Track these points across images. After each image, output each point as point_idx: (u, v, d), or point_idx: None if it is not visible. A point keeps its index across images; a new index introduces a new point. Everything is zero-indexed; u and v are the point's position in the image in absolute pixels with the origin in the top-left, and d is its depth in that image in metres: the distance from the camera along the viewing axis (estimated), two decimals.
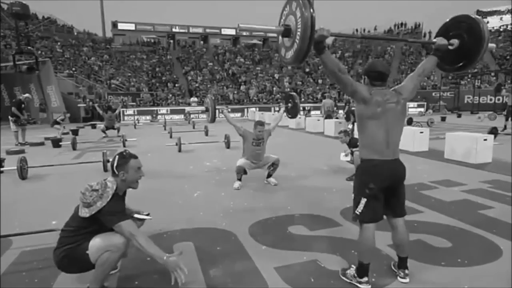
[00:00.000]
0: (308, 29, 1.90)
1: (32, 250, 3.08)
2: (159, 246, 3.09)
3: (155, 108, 22.85)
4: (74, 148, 9.35)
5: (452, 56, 2.61)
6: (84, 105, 20.77)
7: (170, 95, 26.25)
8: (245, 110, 23.86)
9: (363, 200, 2.28)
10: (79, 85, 23.14)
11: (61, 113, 12.86)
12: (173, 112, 22.55)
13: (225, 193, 4.86)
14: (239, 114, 22.69)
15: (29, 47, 16.26)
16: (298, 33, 1.99)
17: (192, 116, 21.27)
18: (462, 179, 5.40)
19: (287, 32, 2.12)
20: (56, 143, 9.90)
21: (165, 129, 14.90)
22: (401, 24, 46.61)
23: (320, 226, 3.51)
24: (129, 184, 2.38)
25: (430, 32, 42.93)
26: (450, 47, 2.54)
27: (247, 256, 2.90)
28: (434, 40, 2.56)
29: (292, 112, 5.59)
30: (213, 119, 4.95)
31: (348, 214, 3.85)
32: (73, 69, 25.58)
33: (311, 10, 1.93)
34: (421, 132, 8.16)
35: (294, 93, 5.63)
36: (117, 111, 14.02)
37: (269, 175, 5.34)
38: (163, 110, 22.63)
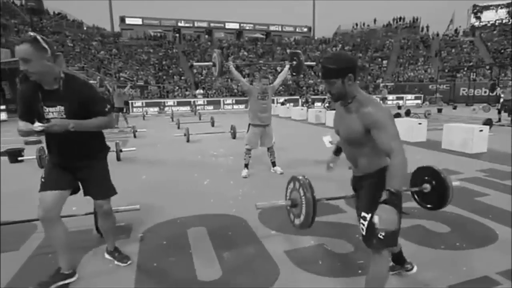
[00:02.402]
0: (311, 207, 2.15)
1: None
2: (173, 231, 3.19)
3: (162, 100, 22.85)
4: None
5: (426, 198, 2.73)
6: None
7: (177, 88, 26.20)
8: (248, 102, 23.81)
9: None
10: (89, 78, 23.10)
11: None
12: (179, 104, 22.54)
13: (233, 181, 4.90)
14: (243, 106, 22.61)
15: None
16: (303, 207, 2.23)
17: (198, 107, 21.27)
18: (459, 168, 5.42)
19: (294, 204, 2.37)
20: None
21: (172, 120, 14.93)
22: (400, 18, 46.05)
23: (326, 213, 3.55)
24: None
25: (428, 26, 42.49)
26: (424, 190, 2.65)
27: (258, 241, 2.96)
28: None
29: (296, 70, 5.45)
30: (220, 73, 4.90)
31: (352, 201, 3.90)
32: (83, 62, 25.51)
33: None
34: (420, 124, 8.16)
35: (299, 51, 5.48)
36: (126, 89, 13.70)
37: (274, 164, 5.37)
38: (170, 102, 22.62)
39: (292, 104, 20.12)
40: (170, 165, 6.10)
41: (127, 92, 13.78)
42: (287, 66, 5.26)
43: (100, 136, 2.38)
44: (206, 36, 41.97)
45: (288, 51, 36.64)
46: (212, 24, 42.80)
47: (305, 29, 46.92)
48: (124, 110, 12.83)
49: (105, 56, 28.91)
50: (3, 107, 14.77)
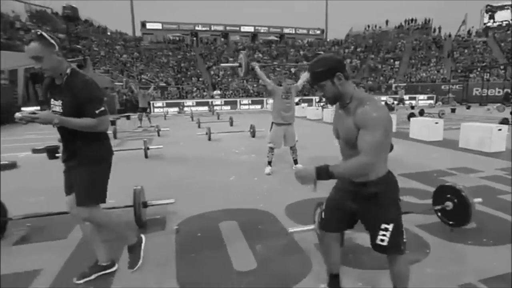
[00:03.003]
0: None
1: None
2: (205, 224, 3.25)
3: (181, 101, 23.13)
4: (115, 137, 9.61)
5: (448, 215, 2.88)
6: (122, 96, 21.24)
7: (195, 89, 26.45)
8: (264, 102, 23.83)
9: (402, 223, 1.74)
10: (114, 79, 23.58)
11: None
12: (198, 104, 22.77)
13: (258, 178, 4.94)
14: (259, 106, 22.66)
15: (78, 46, 16.70)
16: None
17: (215, 108, 21.42)
18: (478, 166, 5.31)
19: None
20: None
21: (192, 119, 15.09)
22: (412, 20, 45.20)
23: None
24: None
25: (440, 28, 41.55)
26: (447, 208, 2.83)
27: (288, 234, 2.95)
28: None
29: None
30: (246, 73, 4.96)
31: None
32: (108, 66, 26.04)
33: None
34: (436, 123, 8.01)
35: (322, 52, 5.50)
36: (150, 90, 13.91)
37: (295, 162, 5.38)
38: (188, 102, 22.87)
39: (306, 104, 20.04)
40: (195, 162, 6.18)
41: (151, 93, 14.00)
42: None
43: (97, 140, 2.15)
44: (222, 39, 42.20)
45: (301, 52, 36.54)
46: (228, 28, 43.05)
47: (318, 32, 46.62)
48: (147, 110, 13.04)
49: (128, 59, 29.43)
50: (37, 108, 15.24)
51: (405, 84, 29.52)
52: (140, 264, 2.41)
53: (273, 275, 2.33)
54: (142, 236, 2.54)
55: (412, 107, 20.11)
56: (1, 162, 5.84)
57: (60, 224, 3.25)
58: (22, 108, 13.72)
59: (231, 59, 32.85)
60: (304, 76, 5.23)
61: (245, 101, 23.92)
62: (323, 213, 1.95)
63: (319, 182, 1.59)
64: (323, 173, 1.57)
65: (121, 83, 22.60)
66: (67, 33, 15.98)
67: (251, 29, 43.95)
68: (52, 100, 2.09)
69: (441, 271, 2.30)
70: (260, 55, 34.52)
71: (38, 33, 1.96)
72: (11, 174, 5.52)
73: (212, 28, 42.54)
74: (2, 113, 13.09)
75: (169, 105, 21.89)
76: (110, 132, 9.93)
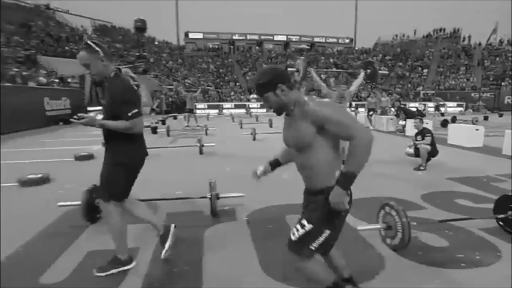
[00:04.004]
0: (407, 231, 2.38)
1: (174, 212, 3.39)
2: (272, 217, 3.28)
3: (221, 103, 23.50)
4: (168, 135, 9.94)
5: None
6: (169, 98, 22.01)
7: (233, 92, 26.79)
8: None
9: (327, 232, 1.55)
10: (162, 83, 24.43)
11: (156, 102, 13.71)
12: (236, 106, 23.03)
13: None
14: None
15: (145, 53, 17.51)
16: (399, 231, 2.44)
17: (251, 110, 21.57)
18: None
19: (388, 227, 2.59)
20: (154, 130, 10.61)
21: (233, 120, 15.27)
22: (440, 29, 42.98)
23: (406, 209, 3.43)
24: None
25: (469, 37, 39.21)
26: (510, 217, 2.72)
27: (354, 230, 2.90)
28: None
29: (371, 77, 5.34)
30: (303, 77, 4.98)
31: (429, 198, 3.75)
32: (157, 71, 27.02)
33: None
34: (477, 129, 7.58)
35: (373, 60, 5.42)
36: (196, 93, 14.23)
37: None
38: (227, 105, 23.20)
39: None
40: (246, 159, 6.25)
41: (197, 96, 14.36)
42: (362, 74, 5.17)
43: (127, 143, 2.13)
44: (257, 47, 42.36)
45: (331, 60, 35.90)
46: (262, 37, 43.18)
47: (347, 40, 45.59)
48: (194, 111, 13.38)
49: (173, 65, 30.35)
50: (100, 108, 16.18)
51: (433, 92, 28.17)
52: (101, 275, 2.20)
53: (349, 269, 2.31)
54: (133, 262, 2.34)
55: (442, 114, 19.12)
56: (82, 154, 6.24)
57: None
58: (88, 108, 14.60)
59: (265, 65, 33.04)
60: (357, 82, 5.14)
61: None
62: None
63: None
64: (344, 182, 1.43)
65: (171, 86, 23.39)
66: (137, 42, 16.94)
67: (284, 38, 43.79)
68: (101, 101, 2.17)
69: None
70: (292, 62, 34.31)
71: (85, 42, 2.05)
72: (90, 164, 5.88)
73: (248, 37, 42.83)
74: (73, 112, 13.99)
75: (210, 107, 22.34)
76: (163, 130, 10.35)
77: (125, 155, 2.15)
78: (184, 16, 42.72)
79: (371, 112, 12.84)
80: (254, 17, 67.16)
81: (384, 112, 13.01)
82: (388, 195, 3.83)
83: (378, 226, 2.65)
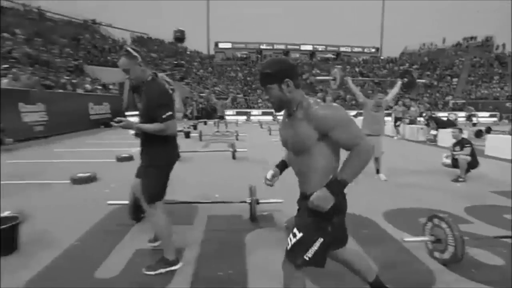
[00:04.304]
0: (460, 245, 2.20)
1: (214, 215, 3.39)
2: None
3: (248, 110, 23.67)
4: (200, 139, 10.10)
5: None
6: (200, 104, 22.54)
7: (260, 100, 26.90)
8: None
9: (320, 241, 1.42)
10: (193, 90, 25.04)
11: (189, 108, 14.04)
12: (264, 113, 23.10)
13: None
14: None
15: (182, 62, 18.17)
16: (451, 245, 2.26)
17: (278, 117, 21.52)
18: None
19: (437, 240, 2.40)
20: (187, 134, 10.83)
21: (261, 127, 15.29)
22: (471, 37, 40.87)
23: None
24: None
25: (504, 45, 36.95)
26: None
27: (398, 242, 2.76)
28: None
29: (408, 87, 5.10)
30: (340, 85, 4.86)
31: (474, 212, 3.50)
32: (189, 79, 27.76)
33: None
34: None
35: (411, 69, 5.17)
36: (227, 101, 14.42)
37: (378, 171, 5.10)
38: (255, 111, 23.33)
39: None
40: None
41: (228, 104, 14.58)
42: (399, 83, 4.99)
43: (161, 146, 2.16)
44: (283, 56, 42.47)
45: (357, 69, 35.17)
46: (289, 46, 43.21)
47: (373, 50, 44.55)
48: (224, 118, 13.54)
49: (203, 73, 31.05)
50: (136, 112, 16.85)
51: (464, 101, 26.74)
52: (151, 274, 2.19)
53: (398, 280, 2.18)
54: (180, 262, 2.31)
55: (474, 124, 18.05)
56: (123, 155, 6.46)
57: (184, 211, 3.44)
58: (126, 113, 15.19)
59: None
60: (393, 91, 4.96)
61: None
62: None
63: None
64: (334, 187, 1.32)
65: (203, 94, 23.95)
66: (176, 51, 17.70)
67: (310, 47, 43.57)
68: (138, 104, 2.21)
69: None
70: (318, 71, 33.99)
71: (125, 49, 2.11)
72: (131, 165, 6.05)
73: (275, 47, 43.05)
74: (113, 116, 14.65)
75: (238, 114, 22.56)
76: (196, 134, 10.53)
77: (160, 157, 2.18)
78: (214, 27, 43.83)
79: (398, 122, 12.35)
80: (281, 27, 67.56)
81: (412, 122, 12.49)
82: (428, 207, 3.62)
83: (425, 238, 2.49)
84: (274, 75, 1.38)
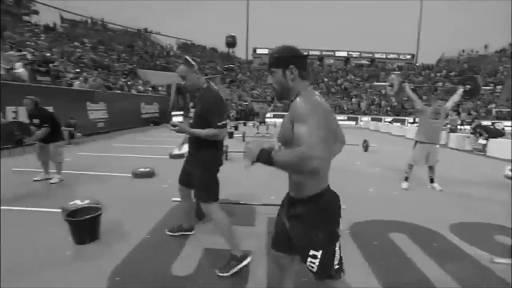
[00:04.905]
0: None
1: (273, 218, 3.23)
2: (374, 233, 2.92)
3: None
4: (243, 140, 10.05)
5: None
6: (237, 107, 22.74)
7: None
8: (358, 119, 22.45)
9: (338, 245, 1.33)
10: (232, 93, 25.33)
11: (232, 111, 14.25)
12: None
13: (396, 191, 4.41)
14: (353, 122, 21.43)
15: (232, 65, 18.55)
16: None
17: None
18: None
19: None
20: (231, 135, 10.87)
21: None
22: None
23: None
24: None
25: None
26: None
27: (469, 256, 2.45)
28: None
29: (471, 94, 4.57)
30: (398, 92, 4.49)
31: None
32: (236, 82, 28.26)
33: None
34: None
35: (474, 75, 4.62)
36: (269, 109, 14.42)
37: (432, 181, 4.66)
38: None
39: (399, 123, 18.08)
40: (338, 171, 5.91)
41: (267, 109, 14.58)
42: (461, 90, 4.52)
43: (211, 149, 2.18)
44: (318, 62, 41.60)
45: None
46: (323, 52, 42.29)
47: (408, 56, 42.21)
48: (265, 121, 13.47)
49: (242, 77, 31.31)
50: (180, 112, 17.38)
51: (509, 110, 24.28)
52: (225, 275, 2.12)
53: None
54: (249, 256, 2.25)
55: None
56: (176, 153, 6.56)
57: (245, 212, 3.33)
58: (172, 113, 15.69)
59: (326, 79, 32.19)
60: (453, 98, 4.50)
61: (341, 117, 22.87)
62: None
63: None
64: (263, 155, 1.17)
65: (246, 103, 24.24)
66: (228, 56, 18.17)
67: (345, 53, 42.31)
68: (191, 108, 2.24)
69: None
70: (352, 76, 32.86)
71: (184, 58, 2.20)
72: (182, 163, 6.12)
73: (310, 53, 42.35)
74: (160, 115, 15.20)
75: (276, 116, 22.40)
76: (239, 135, 10.52)
77: (211, 160, 2.22)
78: (253, 34, 44.09)
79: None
80: (316, 34, 66.36)
81: (453, 130, 11.52)
82: (500, 223, 3.19)
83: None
84: (280, 60, 1.30)
